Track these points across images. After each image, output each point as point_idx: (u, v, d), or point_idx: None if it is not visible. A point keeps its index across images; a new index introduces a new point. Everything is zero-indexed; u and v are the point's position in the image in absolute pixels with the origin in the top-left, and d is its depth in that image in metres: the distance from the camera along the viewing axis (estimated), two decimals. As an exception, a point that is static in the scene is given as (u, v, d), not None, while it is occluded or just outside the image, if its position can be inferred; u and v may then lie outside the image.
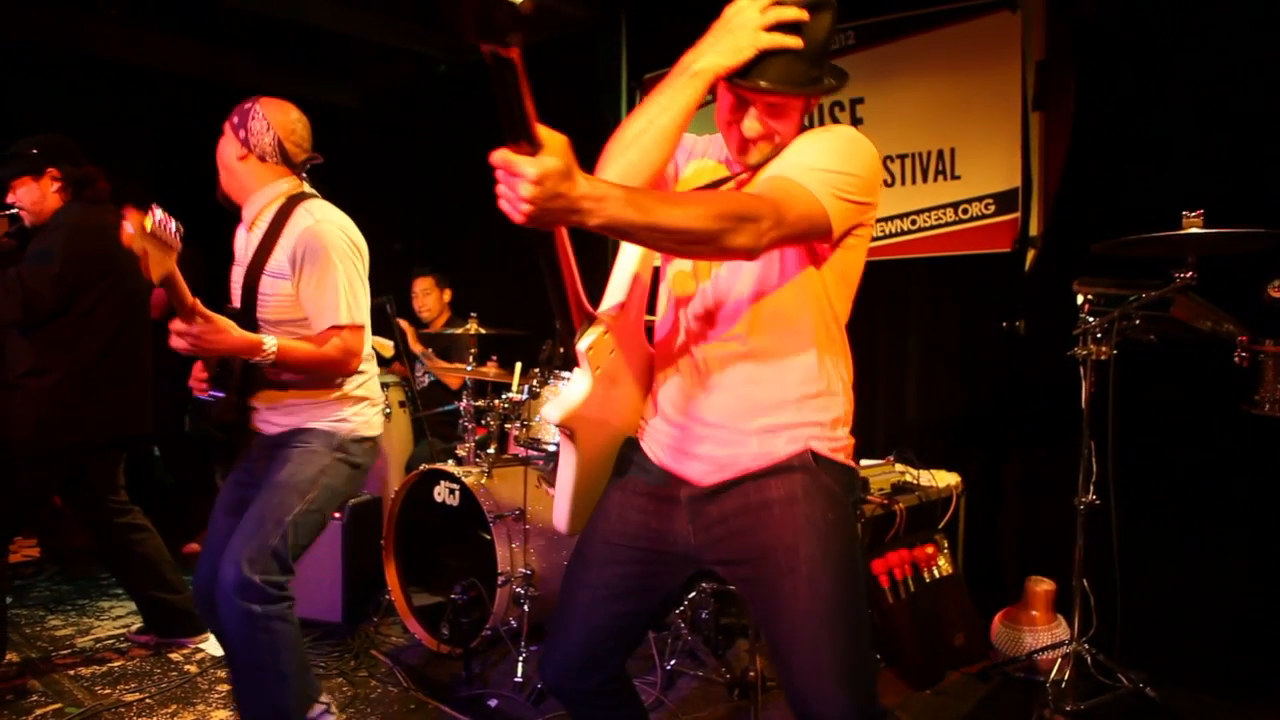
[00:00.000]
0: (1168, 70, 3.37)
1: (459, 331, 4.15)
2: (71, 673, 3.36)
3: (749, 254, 1.42)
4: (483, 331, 4.08)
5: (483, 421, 3.99)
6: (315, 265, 2.34)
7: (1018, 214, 3.83)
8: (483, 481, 3.59)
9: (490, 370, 3.97)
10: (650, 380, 1.82)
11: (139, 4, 5.65)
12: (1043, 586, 3.38)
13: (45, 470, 3.20)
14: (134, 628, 3.75)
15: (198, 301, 2.22)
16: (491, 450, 3.84)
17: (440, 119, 6.50)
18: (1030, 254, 3.82)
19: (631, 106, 5.48)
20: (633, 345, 1.74)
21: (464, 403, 3.97)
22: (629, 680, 1.90)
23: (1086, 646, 3.06)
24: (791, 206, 1.46)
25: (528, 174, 1.16)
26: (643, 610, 1.81)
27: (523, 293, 5.58)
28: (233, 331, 2.25)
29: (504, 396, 3.77)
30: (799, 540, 1.59)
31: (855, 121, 4.24)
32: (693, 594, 3.46)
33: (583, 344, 1.57)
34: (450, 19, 1.00)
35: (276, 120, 2.45)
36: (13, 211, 3.26)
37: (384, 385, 4.18)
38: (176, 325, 2.22)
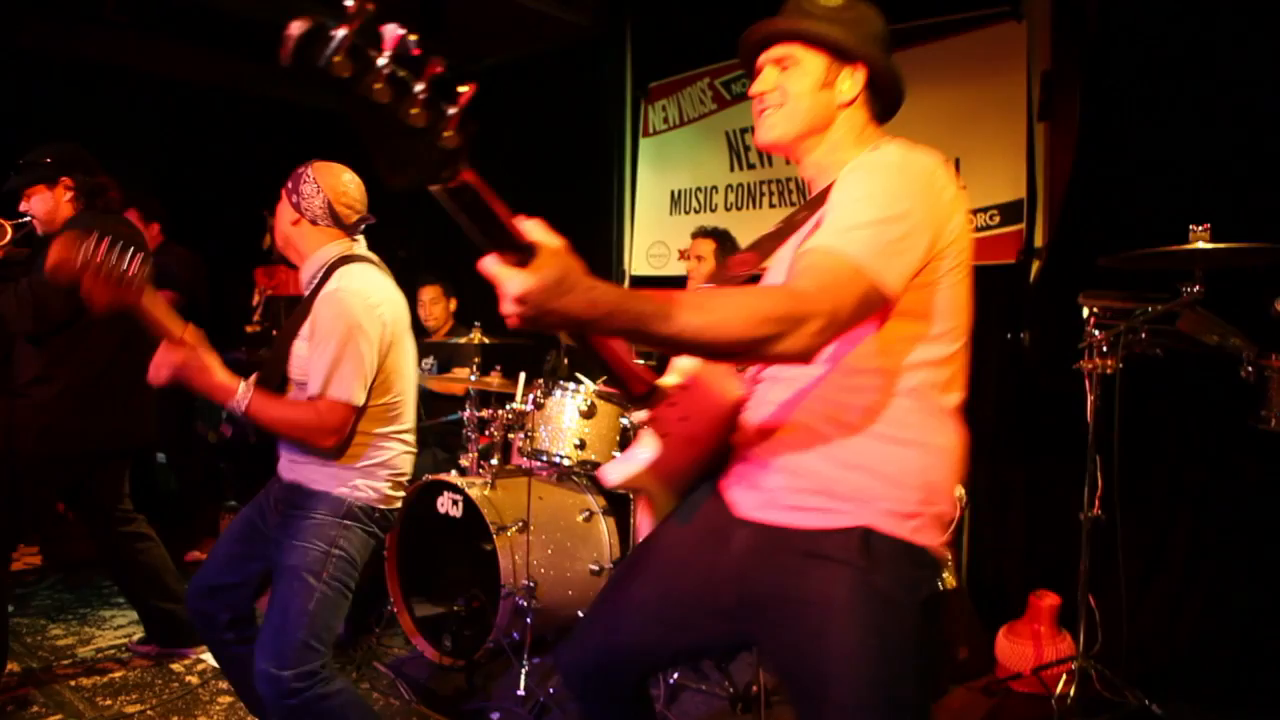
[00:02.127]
0: (1174, 82, 3.36)
1: (462, 341, 4.14)
2: (72, 683, 3.35)
3: (801, 360, 1.27)
4: (486, 341, 4.07)
5: (486, 431, 3.98)
6: (317, 332, 2.31)
7: (1023, 225, 3.82)
8: (486, 493, 3.58)
9: (494, 380, 3.96)
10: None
11: (144, 12, 5.65)
12: (1047, 601, 3.36)
13: (49, 479, 3.19)
14: (135, 638, 3.74)
15: (187, 333, 2.23)
16: (495, 461, 3.83)
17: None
18: (1035, 265, 3.81)
19: (636, 116, 5.49)
20: (713, 403, 1.61)
21: (467, 413, 3.97)
22: (646, 695, 1.83)
23: (1092, 662, 3.05)
24: (841, 294, 1.27)
25: (509, 291, 1.07)
26: (672, 645, 1.68)
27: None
28: (214, 373, 2.25)
29: (508, 407, 3.76)
30: (829, 668, 1.39)
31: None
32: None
33: (639, 416, 1.53)
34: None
35: (326, 183, 2.43)
36: (26, 221, 3.27)
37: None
38: (159, 354, 2.23)
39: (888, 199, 1.37)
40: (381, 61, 0.88)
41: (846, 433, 1.46)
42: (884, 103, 1.63)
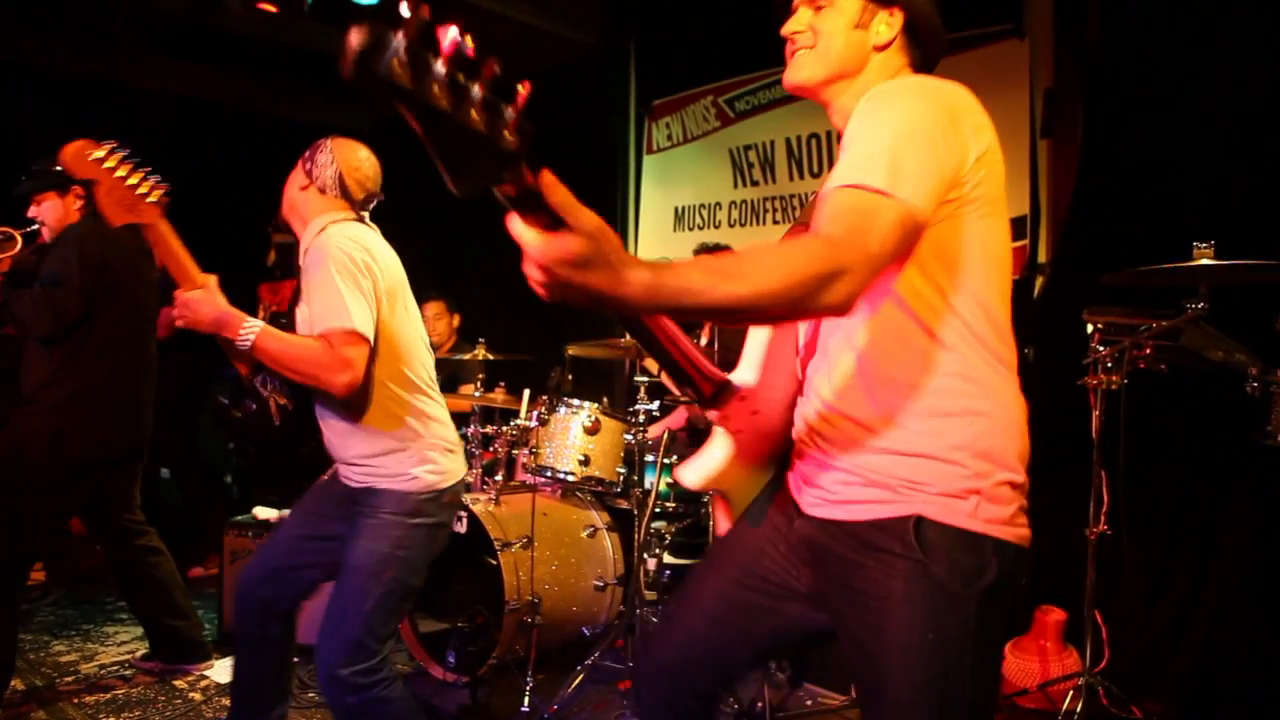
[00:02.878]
0: (1176, 98, 3.37)
1: (466, 357, 4.15)
2: (75, 700, 3.34)
3: (844, 311, 1.20)
4: (490, 357, 4.08)
5: (490, 448, 3.99)
6: (312, 274, 2.26)
7: (1026, 241, 3.83)
8: (490, 508, 3.58)
9: (498, 396, 3.97)
10: None
11: (152, 30, 5.70)
12: (1053, 616, 3.35)
13: (62, 488, 3.19)
14: (139, 654, 3.73)
15: (197, 271, 2.22)
16: (499, 477, 3.83)
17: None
18: (1039, 281, 3.82)
19: (640, 132, 5.52)
20: (782, 394, 1.60)
21: (471, 429, 3.97)
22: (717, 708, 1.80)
23: (1098, 678, 3.03)
24: (872, 230, 1.20)
25: (532, 255, 1.02)
26: (752, 635, 1.64)
27: (531, 319, 5.59)
28: (218, 305, 2.20)
29: (512, 423, 3.77)
30: (884, 662, 1.38)
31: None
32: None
33: (713, 415, 1.51)
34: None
35: (342, 155, 2.41)
36: (34, 228, 3.29)
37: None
38: (178, 295, 2.19)
39: (903, 118, 1.31)
40: (440, 67, 0.86)
41: (889, 416, 1.40)
42: (924, 51, 1.55)
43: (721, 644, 1.64)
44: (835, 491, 1.46)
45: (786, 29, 1.53)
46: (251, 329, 2.18)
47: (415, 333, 2.43)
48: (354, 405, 2.29)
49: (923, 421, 1.39)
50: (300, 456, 2.43)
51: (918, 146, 1.28)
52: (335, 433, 2.37)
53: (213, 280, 2.23)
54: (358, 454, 2.33)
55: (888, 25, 1.50)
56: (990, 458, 1.38)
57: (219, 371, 2.45)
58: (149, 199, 2.14)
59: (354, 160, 2.43)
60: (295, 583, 2.48)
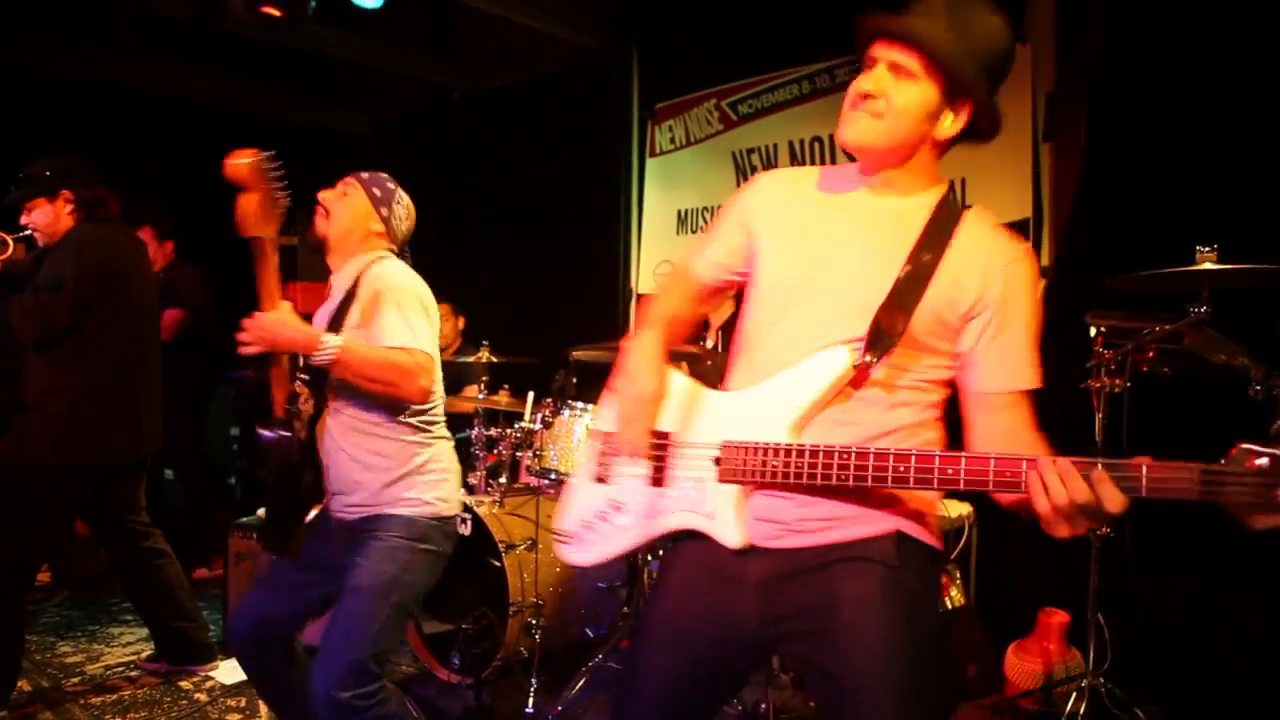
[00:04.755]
0: (1179, 102, 3.38)
1: (471, 360, 4.16)
2: (81, 701, 3.36)
3: None
4: (494, 360, 4.09)
5: (494, 450, 4.00)
6: (374, 304, 2.33)
7: (1029, 244, 3.83)
8: (494, 511, 3.59)
9: (502, 399, 3.98)
10: None
11: (154, 33, 5.72)
12: (1057, 618, 3.36)
13: (66, 493, 3.21)
14: (144, 655, 3.74)
15: (274, 287, 2.21)
16: (503, 479, 3.84)
17: (451, 146, 6.55)
18: (1042, 284, 3.82)
19: (643, 136, 5.53)
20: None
21: (475, 431, 3.98)
22: None
23: (1101, 680, 3.04)
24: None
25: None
26: (711, 697, 1.71)
27: (535, 322, 5.60)
28: (297, 323, 2.21)
29: (516, 425, 3.78)
30: (863, 660, 1.48)
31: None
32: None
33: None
34: None
35: (411, 215, 2.62)
36: (27, 234, 3.30)
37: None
38: (247, 321, 2.18)
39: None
40: None
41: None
42: (966, 137, 1.59)
43: (693, 696, 1.67)
44: (804, 524, 1.54)
45: (865, 85, 1.53)
46: (331, 342, 2.20)
47: (439, 366, 2.50)
48: (382, 430, 2.38)
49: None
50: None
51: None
52: (351, 458, 2.38)
53: (287, 303, 2.25)
54: (374, 480, 2.36)
55: (953, 121, 1.54)
56: (937, 495, 1.59)
57: (224, 374, 2.47)
58: (278, 209, 2.19)
59: (413, 217, 2.64)
60: (286, 626, 2.48)
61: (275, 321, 2.17)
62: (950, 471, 1.38)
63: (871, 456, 1.42)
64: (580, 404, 3.62)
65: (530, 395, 3.87)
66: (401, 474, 2.37)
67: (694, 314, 1.86)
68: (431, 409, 2.46)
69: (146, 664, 3.65)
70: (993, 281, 1.52)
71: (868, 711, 1.46)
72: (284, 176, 2.16)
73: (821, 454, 1.46)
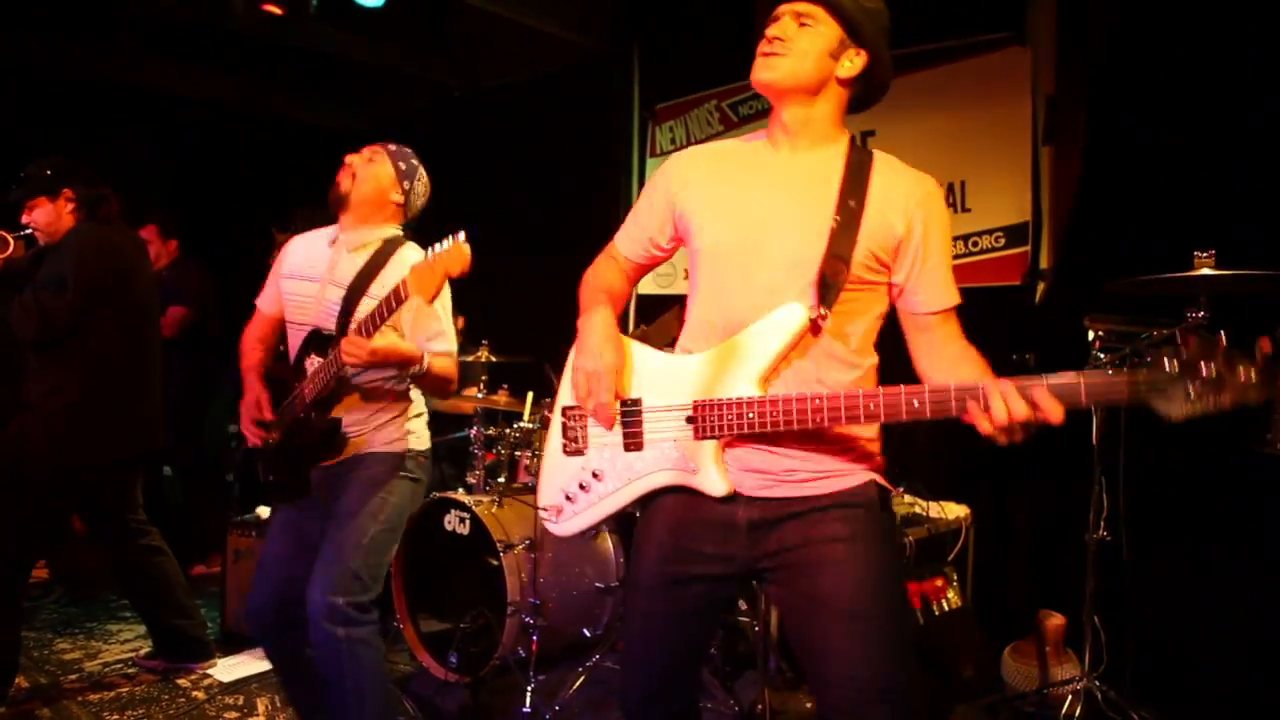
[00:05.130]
0: (1178, 107, 3.39)
1: (470, 359, 4.17)
2: (79, 698, 3.36)
3: None
4: (494, 359, 4.10)
5: (493, 449, 4.00)
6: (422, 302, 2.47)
7: (1028, 247, 3.85)
8: (493, 510, 3.59)
9: (501, 398, 3.98)
10: None
11: (156, 31, 5.72)
12: (1053, 621, 3.37)
13: (64, 491, 3.21)
14: (142, 652, 3.75)
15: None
16: (502, 479, 3.85)
17: (452, 144, 6.55)
18: (1040, 287, 3.83)
19: (643, 136, 5.53)
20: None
21: (474, 430, 3.99)
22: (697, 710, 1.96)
23: (1097, 683, 3.05)
24: None
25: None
26: (705, 631, 1.89)
27: (535, 321, 5.60)
28: (401, 345, 2.42)
29: (515, 425, 3.78)
30: (858, 589, 1.65)
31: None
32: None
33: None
34: None
35: (427, 190, 2.76)
36: (28, 233, 3.31)
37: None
38: (355, 343, 2.31)
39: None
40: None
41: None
42: (865, 91, 1.79)
43: (683, 656, 1.85)
44: (792, 475, 1.71)
45: (770, 31, 1.73)
46: (426, 360, 2.49)
47: None
48: (374, 381, 2.57)
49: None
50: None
51: None
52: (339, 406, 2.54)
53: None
54: (357, 419, 2.54)
55: (853, 63, 1.74)
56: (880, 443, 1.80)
57: (224, 372, 2.51)
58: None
59: (429, 195, 2.78)
60: (299, 595, 2.50)
61: (388, 346, 2.37)
62: (916, 404, 1.52)
63: (842, 397, 1.56)
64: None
65: (529, 395, 3.87)
66: (386, 418, 2.58)
67: (626, 291, 2.04)
68: None
69: (144, 661, 3.66)
70: (914, 216, 1.71)
71: (854, 628, 1.63)
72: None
73: (795, 400, 1.60)
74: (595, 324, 1.85)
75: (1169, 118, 3.42)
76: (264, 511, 4.02)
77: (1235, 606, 3.21)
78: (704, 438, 1.69)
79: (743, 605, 3.55)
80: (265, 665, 3.63)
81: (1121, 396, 1.43)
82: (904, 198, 1.72)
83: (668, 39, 5.38)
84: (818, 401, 1.57)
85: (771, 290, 1.69)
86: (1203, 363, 1.37)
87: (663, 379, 1.78)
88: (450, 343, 2.59)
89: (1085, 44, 3.70)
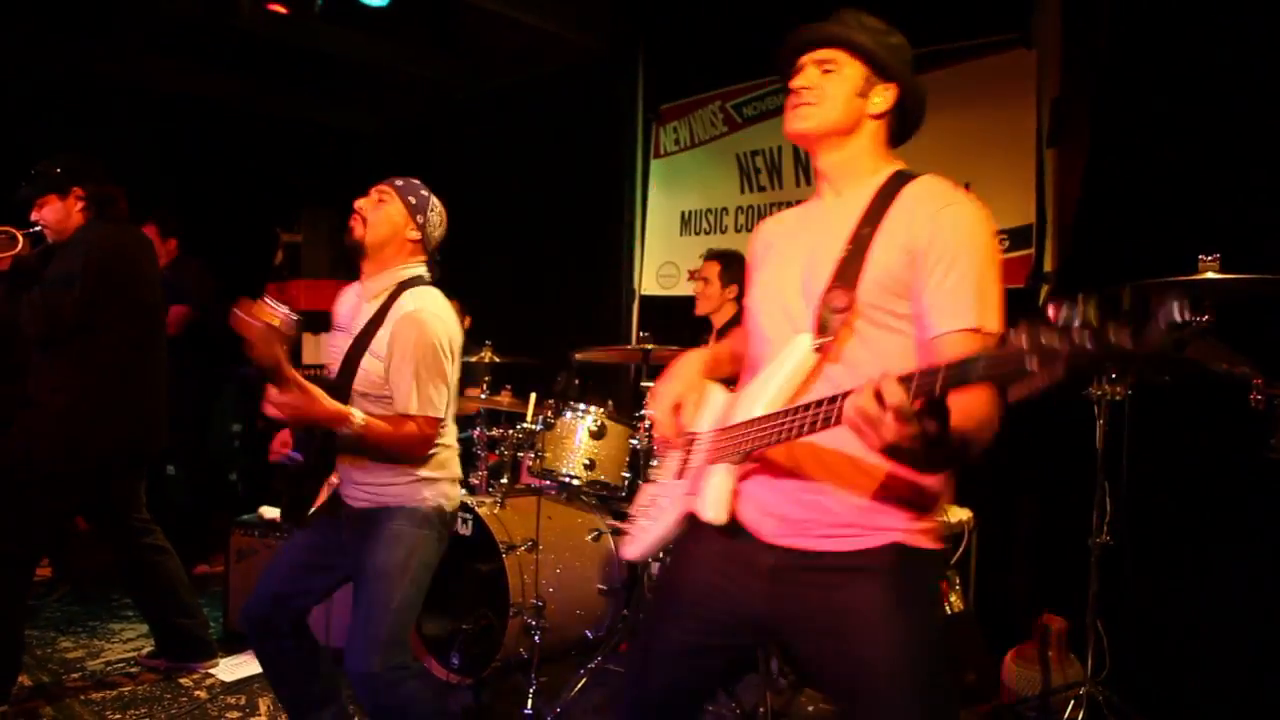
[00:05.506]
0: (1183, 110, 3.38)
1: (473, 359, 4.17)
2: (82, 697, 3.36)
3: None
4: (497, 360, 4.10)
5: (496, 450, 4.00)
6: (401, 352, 2.42)
7: (1032, 250, 3.84)
8: (495, 511, 3.59)
9: (504, 399, 3.98)
10: None
11: (161, 30, 5.73)
12: (1056, 625, 3.36)
13: (67, 489, 3.21)
14: (145, 651, 3.75)
15: (296, 374, 2.28)
16: (505, 480, 3.85)
17: (457, 145, 6.56)
18: (1044, 290, 3.82)
19: (647, 137, 5.54)
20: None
21: (477, 431, 3.99)
22: None
23: (1100, 688, 3.04)
24: None
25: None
26: (715, 671, 1.85)
27: (538, 322, 5.60)
28: (325, 401, 2.32)
29: (518, 426, 3.78)
30: (874, 667, 1.55)
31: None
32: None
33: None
34: None
35: (443, 219, 2.67)
36: (37, 230, 3.31)
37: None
38: (272, 394, 2.28)
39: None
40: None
41: (867, 466, 1.58)
42: (903, 125, 1.77)
43: (688, 690, 1.83)
44: (812, 529, 1.62)
45: (796, 83, 1.73)
46: (359, 420, 2.36)
47: (455, 384, 2.60)
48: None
49: (899, 468, 1.56)
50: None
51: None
52: (361, 463, 2.51)
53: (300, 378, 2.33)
54: (380, 480, 2.50)
55: (883, 98, 1.72)
56: (940, 498, 1.65)
57: (227, 370, 2.51)
58: (285, 335, 2.24)
59: (445, 224, 2.70)
60: (297, 605, 2.60)
61: (309, 401, 2.28)
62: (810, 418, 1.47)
63: (810, 407, 1.48)
64: (582, 405, 3.63)
65: (533, 396, 3.87)
66: (414, 476, 2.50)
67: (735, 349, 2.01)
68: (446, 422, 2.58)
69: (147, 660, 3.66)
70: (920, 230, 1.58)
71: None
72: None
73: (771, 417, 1.56)
74: (682, 359, 1.94)
75: (1174, 121, 3.41)
76: (267, 511, 4.02)
77: (1238, 611, 3.20)
78: (711, 462, 1.71)
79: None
80: (267, 665, 3.64)
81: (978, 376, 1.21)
82: (914, 211, 1.61)
83: (672, 39, 5.38)
84: (786, 415, 1.52)
85: (786, 329, 1.69)
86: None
87: (710, 413, 1.83)
88: (416, 406, 2.42)
89: (1090, 47, 3.69)
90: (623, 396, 5.03)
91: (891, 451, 1.31)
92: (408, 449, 2.45)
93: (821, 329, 1.61)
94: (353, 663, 2.36)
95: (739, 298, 4.30)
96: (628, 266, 5.58)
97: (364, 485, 2.51)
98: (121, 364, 3.28)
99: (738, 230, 5.03)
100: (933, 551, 1.64)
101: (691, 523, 1.76)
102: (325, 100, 6.89)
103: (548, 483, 3.66)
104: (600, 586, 3.74)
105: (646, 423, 3.50)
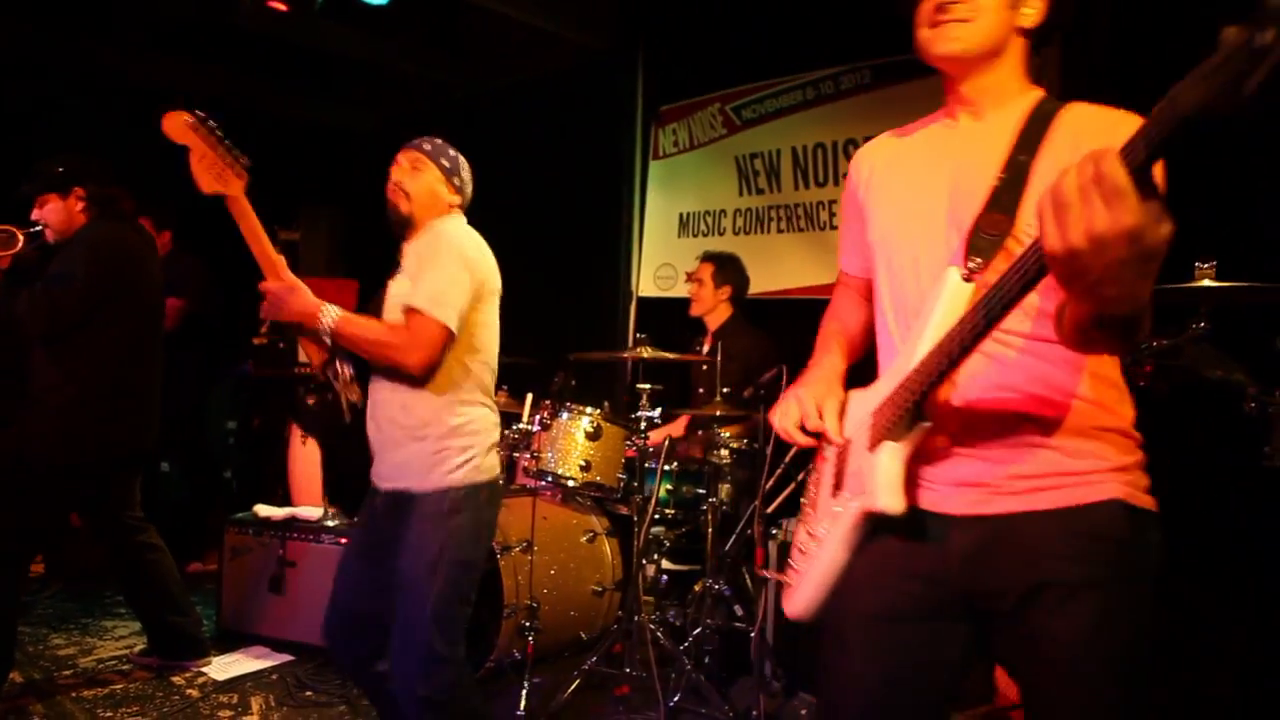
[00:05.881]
0: (1181, 117, 3.38)
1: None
2: (74, 694, 3.36)
3: None
4: (493, 360, 4.08)
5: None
6: (421, 259, 2.36)
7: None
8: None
9: (500, 399, 3.97)
10: None
11: (159, 27, 5.72)
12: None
13: (65, 487, 3.21)
14: (137, 649, 3.75)
15: (274, 253, 2.27)
16: (500, 480, 3.84)
17: (455, 145, 6.54)
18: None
19: (647, 138, 5.53)
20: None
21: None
22: None
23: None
24: None
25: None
26: (929, 695, 1.51)
27: (534, 322, 5.60)
28: (301, 294, 2.27)
29: (514, 427, 3.78)
30: (1091, 651, 1.33)
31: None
32: (697, 630, 3.44)
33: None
34: None
35: (469, 172, 2.66)
36: (38, 229, 3.30)
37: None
38: (264, 285, 2.27)
39: None
40: None
41: (1065, 395, 1.39)
42: (1042, 34, 1.54)
43: (909, 704, 1.51)
44: (1009, 484, 1.39)
45: None
46: (329, 315, 2.27)
47: (492, 337, 2.51)
48: (416, 382, 2.34)
49: (1102, 393, 1.40)
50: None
51: None
52: (388, 418, 2.38)
53: (287, 271, 2.31)
54: (402, 453, 2.36)
55: (1034, 8, 1.50)
56: (1139, 441, 1.43)
57: (222, 367, 2.48)
58: (235, 169, 2.24)
59: (471, 177, 2.67)
60: (376, 626, 2.42)
61: (281, 292, 2.27)
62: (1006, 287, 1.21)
63: (962, 323, 1.29)
64: (578, 406, 3.63)
65: (529, 397, 3.87)
66: (436, 443, 2.34)
67: (865, 316, 1.76)
68: (475, 376, 2.43)
69: (139, 658, 3.66)
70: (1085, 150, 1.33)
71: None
72: (229, 135, 2.23)
73: (941, 344, 1.33)
74: (804, 377, 1.71)
75: (1172, 128, 3.41)
76: (261, 509, 4.02)
77: (1237, 617, 3.20)
78: (876, 444, 1.45)
79: (738, 610, 3.55)
80: (260, 664, 3.64)
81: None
82: (1082, 133, 1.42)
83: (672, 41, 5.38)
84: (949, 341, 1.30)
85: (934, 257, 1.47)
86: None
87: (856, 413, 1.58)
88: (421, 300, 2.27)
89: (1087, 52, 3.69)
90: (619, 398, 5.03)
91: (1086, 285, 1.05)
92: (392, 346, 2.27)
93: (972, 255, 1.40)
94: (401, 688, 2.27)
95: (732, 299, 4.30)
96: (625, 268, 5.58)
97: (388, 461, 2.40)
98: (121, 362, 3.27)
99: (735, 232, 5.03)
100: (1153, 513, 1.41)
101: (862, 535, 1.51)
102: (324, 98, 6.89)
103: (543, 483, 3.66)
104: (594, 588, 3.74)
105: (642, 425, 3.50)
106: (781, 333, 4.28)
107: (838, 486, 1.57)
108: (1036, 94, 1.53)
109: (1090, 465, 1.37)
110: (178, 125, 2.27)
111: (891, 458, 1.42)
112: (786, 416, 1.64)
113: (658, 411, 3.56)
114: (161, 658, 3.58)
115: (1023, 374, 1.40)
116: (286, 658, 3.71)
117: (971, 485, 1.42)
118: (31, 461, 3.12)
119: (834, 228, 4.48)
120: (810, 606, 1.56)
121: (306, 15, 4.91)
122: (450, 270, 2.31)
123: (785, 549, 3.31)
